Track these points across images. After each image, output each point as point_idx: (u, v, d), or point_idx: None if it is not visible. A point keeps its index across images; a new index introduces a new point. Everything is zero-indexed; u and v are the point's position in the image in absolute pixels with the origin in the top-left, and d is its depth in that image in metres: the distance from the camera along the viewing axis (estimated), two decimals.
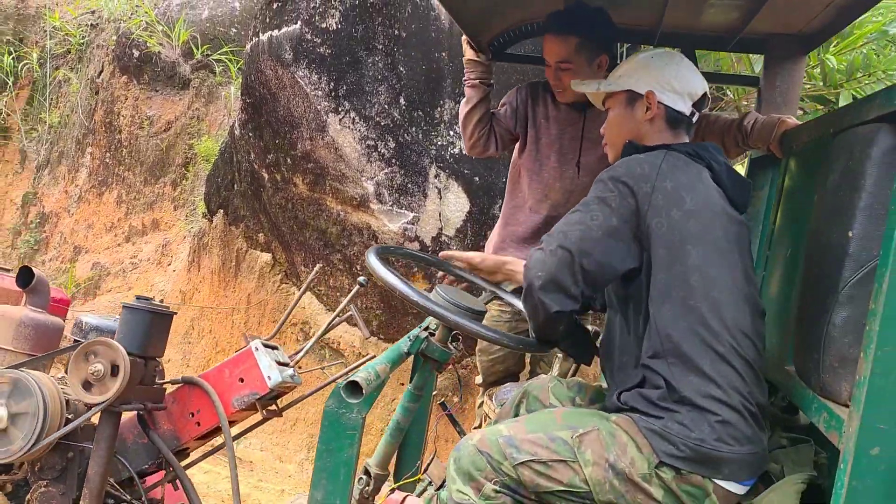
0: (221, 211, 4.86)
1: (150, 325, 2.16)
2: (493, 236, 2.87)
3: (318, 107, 3.95)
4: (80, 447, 2.16)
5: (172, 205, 5.63)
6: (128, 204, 5.76)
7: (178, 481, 2.23)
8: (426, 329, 2.07)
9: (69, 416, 2.09)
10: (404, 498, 2.09)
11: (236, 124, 4.57)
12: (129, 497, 2.24)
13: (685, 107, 1.87)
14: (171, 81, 5.79)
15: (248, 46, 4.36)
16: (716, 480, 1.61)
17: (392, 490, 2.19)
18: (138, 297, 2.22)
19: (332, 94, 3.95)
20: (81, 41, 6.54)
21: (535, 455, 1.67)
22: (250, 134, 4.38)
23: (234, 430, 2.31)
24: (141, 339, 2.13)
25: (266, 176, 4.34)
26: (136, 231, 5.69)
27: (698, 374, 1.62)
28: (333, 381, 2.37)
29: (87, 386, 2.02)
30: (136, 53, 5.73)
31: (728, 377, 1.62)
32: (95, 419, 2.11)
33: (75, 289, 5.58)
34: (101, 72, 6.06)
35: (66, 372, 2.08)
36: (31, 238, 6.11)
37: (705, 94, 1.90)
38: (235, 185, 4.73)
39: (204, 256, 4.98)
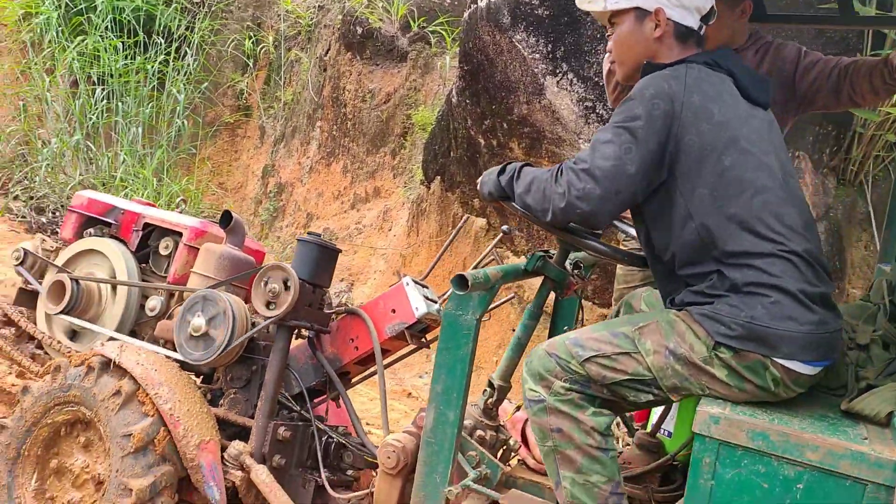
0: (438, 178, 5.03)
1: (318, 256, 2.51)
2: None
3: (535, 70, 3.93)
4: (262, 361, 2.54)
5: (392, 173, 5.93)
6: (352, 173, 6.16)
7: (340, 399, 2.57)
8: (545, 250, 2.26)
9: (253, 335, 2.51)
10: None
11: (453, 92, 4.68)
12: (298, 409, 2.55)
13: (694, 22, 1.88)
14: (390, 55, 6.06)
15: (465, 14, 4.43)
16: (775, 359, 1.66)
17: (517, 409, 2.40)
18: (309, 233, 2.58)
19: (550, 56, 3.91)
20: (310, 23, 7.04)
21: (600, 350, 1.80)
22: (467, 101, 4.46)
23: (388, 360, 2.58)
24: (310, 267, 2.48)
25: (482, 142, 4.41)
26: (360, 198, 6.07)
27: (749, 268, 1.69)
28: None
29: (266, 305, 2.40)
30: (359, 30, 6.06)
31: (780, 268, 1.67)
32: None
33: None
34: (328, 50, 6.49)
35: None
36: (271, 206, 6.73)
37: (712, 8, 1.92)
38: (452, 153, 4.86)
39: (422, 222, 5.19)
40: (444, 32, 5.70)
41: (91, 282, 2.96)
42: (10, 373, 3.45)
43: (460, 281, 1.89)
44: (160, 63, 6.92)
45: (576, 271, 2.35)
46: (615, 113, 1.82)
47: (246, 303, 2.54)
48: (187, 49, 7.04)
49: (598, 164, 1.74)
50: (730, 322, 1.68)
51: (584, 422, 1.81)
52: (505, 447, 2.32)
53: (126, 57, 6.81)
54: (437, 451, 1.99)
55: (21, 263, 3.19)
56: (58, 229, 5.43)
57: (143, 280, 3.02)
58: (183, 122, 6.95)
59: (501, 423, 2.37)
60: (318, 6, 7.06)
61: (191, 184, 6.92)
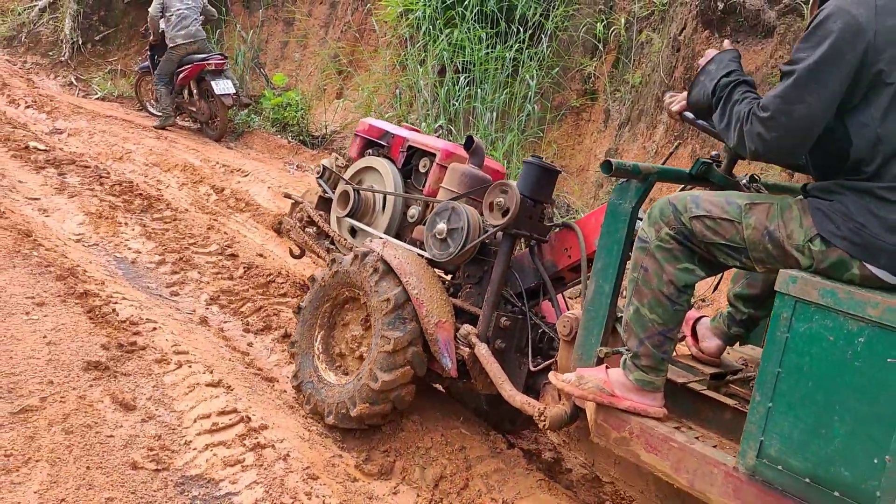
0: None
1: (539, 176, 2.93)
2: None
3: None
4: (492, 263, 3.00)
5: None
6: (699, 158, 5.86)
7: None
8: (713, 158, 2.38)
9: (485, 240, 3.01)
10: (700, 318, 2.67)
11: None
12: (519, 304, 2.98)
13: None
14: (753, 31, 5.62)
15: None
16: (865, 263, 1.82)
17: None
18: (533, 156, 2.99)
19: None
20: (664, 2, 6.83)
21: (709, 212, 2.04)
22: None
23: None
24: (532, 185, 2.90)
25: None
26: None
27: (879, 189, 1.82)
28: None
29: (496, 216, 2.86)
30: (720, 5, 5.71)
31: None
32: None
33: None
34: (683, 29, 6.23)
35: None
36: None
37: None
38: None
39: None
40: None
41: (368, 192, 3.70)
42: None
43: (606, 165, 2.20)
44: (515, 51, 7.28)
45: (752, 184, 2.41)
46: (798, 49, 1.81)
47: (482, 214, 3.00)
48: (542, 35, 7.30)
49: (784, 111, 1.81)
50: (840, 223, 1.85)
51: (667, 272, 2.11)
52: None
53: (487, 46, 7.29)
54: (593, 317, 2.37)
55: (320, 176, 4.05)
56: None
57: (406, 192, 3.63)
58: (533, 107, 7.24)
59: None
60: None
61: None
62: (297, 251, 4.28)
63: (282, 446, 2.84)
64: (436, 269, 3.18)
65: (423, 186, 3.57)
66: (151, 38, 8.64)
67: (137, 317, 3.67)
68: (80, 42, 11.23)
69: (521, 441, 3.49)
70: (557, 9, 7.32)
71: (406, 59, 8.01)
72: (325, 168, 4.01)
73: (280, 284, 4.61)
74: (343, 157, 4.10)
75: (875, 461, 1.67)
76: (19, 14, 11.84)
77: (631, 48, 7.05)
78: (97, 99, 10.37)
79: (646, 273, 2.14)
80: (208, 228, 5.54)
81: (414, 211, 3.54)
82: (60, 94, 10.11)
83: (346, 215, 3.70)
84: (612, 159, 2.19)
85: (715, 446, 2.12)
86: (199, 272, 4.76)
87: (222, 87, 8.16)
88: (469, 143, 3.29)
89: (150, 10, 8.53)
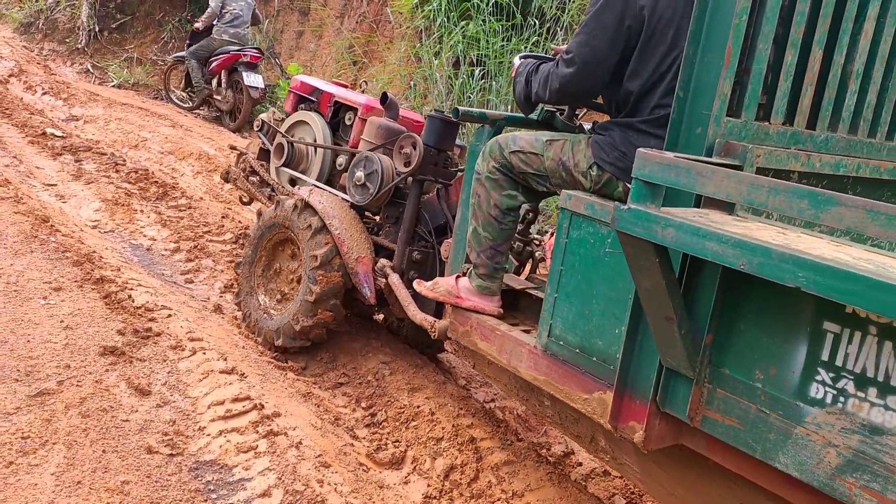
0: None
1: (441, 128, 3.33)
2: None
3: None
4: (403, 205, 3.44)
5: None
6: None
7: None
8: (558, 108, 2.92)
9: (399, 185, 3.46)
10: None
11: None
12: (430, 240, 3.38)
13: None
14: None
15: None
16: (626, 183, 2.25)
17: (551, 235, 3.25)
18: (435, 110, 3.45)
19: None
20: None
21: (522, 148, 2.54)
22: None
23: None
24: (434, 136, 3.32)
25: None
26: None
27: (637, 123, 2.30)
28: None
29: (403, 164, 3.35)
30: None
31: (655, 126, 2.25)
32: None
33: None
34: None
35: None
36: None
37: None
38: None
39: None
40: None
41: (300, 144, 4.12)
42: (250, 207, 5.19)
43: (455, 112, 2.81)
44: (532, 44, 7.26)
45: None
46: (590, 4, 2.33)
47: None
48: (558, 29, 7.27)
49: (579, 51, 2.30)
50: (609, 152, 2.34)
51: (493, 198, 2.62)
52: (532, 258, 3.43)
53: (503, 39, 7.28)
54: (459, 240, 2.90)
55: (260, 130, 4.48)
56: None
57: (335, 143, 4.06)
58: None
59: (534, 239, 3.47)
60: None
61: None
62: (245, 199, 4.71)
63: (294, 434, 2.87)
64: (366, 213, 3.74)
65: (349, 138, 3.99)
66: (200, 26, 8.73)
67: (153, 303, 3.70)
68: (97, 29, 11.28)
69: (530, 434, 3.50)
70: (574, 1, 7.29)
71: (421, 51, 8.00)
72: (263, 122, 4.44)
73: None
74: (280, 112, 4.54)
75: (616, 332, 2.15)
76: (37, 1, 11.90)
77: None
78: (113, 87, 10.42)
79: (479, 199, 2.65)
80: (223, 217, 5.57)
81: (342, 160, 3.94)
82: (77, 82, 10.17)
83: (282, 165, 4.16)
84: (459, 107, 2.81)
85: (528, 331, 2.62)
86: (213, 260, 4.79)
87: (252, 79, 8.34)
88: (384, 99, 3.70)
89: (211, 3, 8.68)
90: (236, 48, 8.52)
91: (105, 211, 5.36)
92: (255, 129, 4.53)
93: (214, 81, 8.78)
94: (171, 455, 2.67)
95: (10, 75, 9.51)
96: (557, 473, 3.02)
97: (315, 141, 4.07)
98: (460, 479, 2.91)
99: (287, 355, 3.66)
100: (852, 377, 1.65)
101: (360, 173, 3.51)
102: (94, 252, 4.24)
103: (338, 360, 3.70)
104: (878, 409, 1.60)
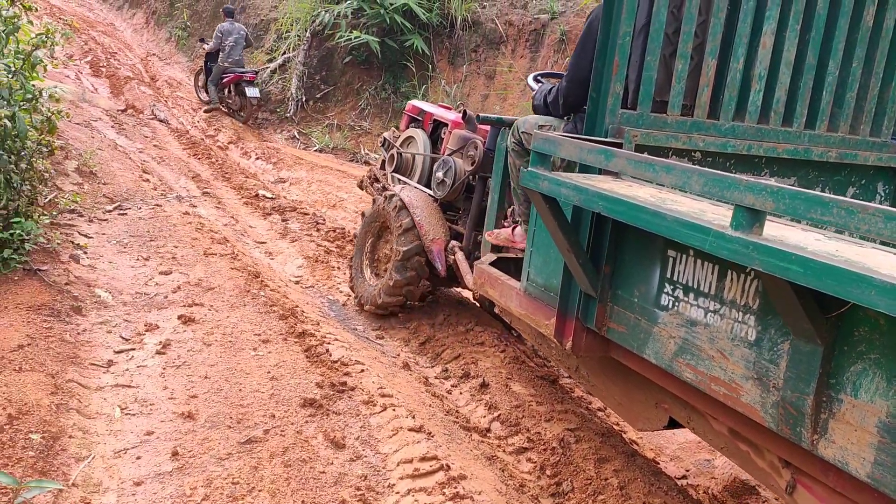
0: None
1: (498, 133, 3.87)
2: None
3: None
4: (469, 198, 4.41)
5: None
6: None
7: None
8: None
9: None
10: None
11: None
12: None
13: None
14: None
15: None
16: None
17: None
18: (499, 119, 4.02)
19: None
20: None
21: (527, 129, 3.25)
22: None
23: None
24: (490, 140, 4.09)
25: None
26: None
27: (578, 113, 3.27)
28: None
29: (470, 164, 4.33)
30: None
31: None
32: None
33: None
34: None
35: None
36: None
37: None
38: None
39: None
40: None
41: (407, 154, 5.04)
42: None
43: (477, 117, 4.26)
44: None
45: None
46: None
47: None
48: None
49: (568, 73, 3.15)
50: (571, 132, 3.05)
51: (517, 163, 3.36)
52: None
53: None
54: (492, 203, 3.90)
55: (383, 145, 5.50)
56: None
57: (434, 153, 4.87)
58: None
59: None
60: None
61: None
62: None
63: (480, 498, 2.85)
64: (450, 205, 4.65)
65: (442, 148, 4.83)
66: (209, 49, 12.08)
67: (347, 358, 3.89)
68: (304, 99, 12.38)
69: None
70: None
71: None
72: (385, 139, 5.40)
73: (478, 333, 4.70)
74: (396, 129, 5.52)
75: (558, 271, 2.81)
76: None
77: None
78: (315, 151, 11.33)
79: (511, 166, 3.43)
80: (430, 293, 5.78)
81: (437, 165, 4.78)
82: (284, 147, 11.17)
83: (393, 171, 5.03)
84: (480, 114, 4.04)
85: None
86: (401, 317, 4.97)
87: (252, 91, 11.65)
88: (464, 115, 4.53)
89: (213, 39, 11.98)
90: (241, 70, 11.80)
91: (307, 267, 5.77)
92: (380, 144, 5.63)
93: (226, 91, 12.06)
94: None
95: (229, 142, 10.65)
96: (524, 361, 2.82)
97: (418, 152, 4.95)
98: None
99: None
100: (681, 287, 2.30)
101: (439, 173, 4.47)
102: (297, 307, 4.56)
103: (521, 423, 3.66)
104: (694, 307, 2.25)
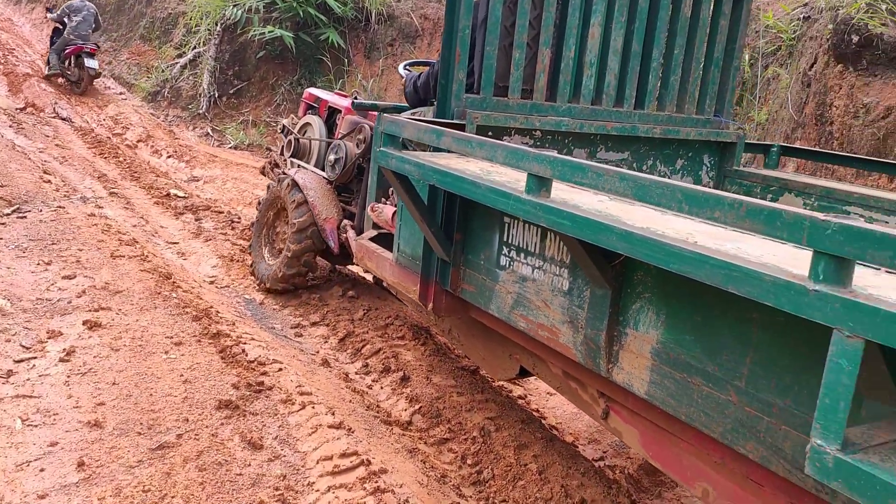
0: None
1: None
2: None
3: None
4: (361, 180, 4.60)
5: None
6: None
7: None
8: None
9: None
10: None
11: None
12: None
13: None
14: (892, 64, 5.28)
15: None
16: None
17: None
18: (362, 102, 4.53)
19: None
20: (792, 36, 6.55)
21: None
22: None
23: None
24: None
25: None
26: None
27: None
28: None
29: (358, 147, 4.65)
30: (856, 39, 5.42)
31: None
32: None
33: None
34: (814, 64, 5.95)
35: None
36: None
37: None
38: None
39: None
40: None
41: (304, 140, 5.25)
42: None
43: (352, 103, 4.56)
44: None
45: None
46: None
47: None
48: None
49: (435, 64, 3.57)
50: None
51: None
52: None
53: None
54: (372, 186, 3.98)
55: (282, 131, 5.66)
56: None
57: (329, 139, 5.07)
58: None
59: None
60: (804, 17, 6.53)
61: None
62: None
63: (401, 491, 2.85)
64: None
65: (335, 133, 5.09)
66: (51, 20, 12.77)
67: (265, 357, 3.81)
68: (216, 95, 12.04)
69: (643, 496, 3.34)
70: None
71: None
72: (283, 125, 5.61)
73: (398, 327, 4.68)
74: (295, 117, 5.72)
75: (421, 241, 3.04)
76: (163, 71, 12.84)
77: (756, 84, 6.79)
78: (230, 148, 11.03)
79: None
80: (330, 271, 5.72)
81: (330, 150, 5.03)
82: (198, 144, 10.83)
83: (291, 156, 5.31)
84: (356, 100, 4.31)
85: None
86: (321, 314, 4.90)
87: (91, 63, 12.15)
88: (353, 103, 4.76)
89: (57, 14, 12.47)
90: (82, 43, 12.09)
91: (222, 267, 5.62)
92: (279, 131, 5.91)
93: (67, 62, 12.35)
94: None
95: (138, 140, 10.26)
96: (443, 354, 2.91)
97: (314, 137, 5.19)
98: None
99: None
100: (515, 248, 2.62)
101: (331, 156, 4.77)
102: (212, 307, 4.43)
103: (442, 415, 3.67)
104: (524, 265, 2.56)
